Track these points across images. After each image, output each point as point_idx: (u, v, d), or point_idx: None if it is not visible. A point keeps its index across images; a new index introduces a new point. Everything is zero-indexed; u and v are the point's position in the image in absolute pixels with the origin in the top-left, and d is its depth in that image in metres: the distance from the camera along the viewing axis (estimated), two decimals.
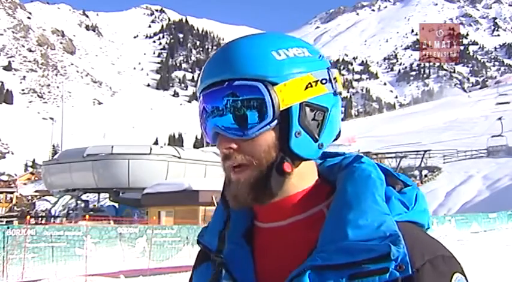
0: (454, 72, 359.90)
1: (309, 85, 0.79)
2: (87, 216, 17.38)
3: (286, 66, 0.78)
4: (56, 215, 31.77)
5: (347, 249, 0.71)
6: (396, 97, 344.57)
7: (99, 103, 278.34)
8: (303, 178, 0.83)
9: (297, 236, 0.81)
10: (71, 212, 30.94)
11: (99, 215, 24.12)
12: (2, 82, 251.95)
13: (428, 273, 0.71)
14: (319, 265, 0.72)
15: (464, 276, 0.75)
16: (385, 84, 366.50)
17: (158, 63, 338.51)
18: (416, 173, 42.29)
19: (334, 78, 0.83)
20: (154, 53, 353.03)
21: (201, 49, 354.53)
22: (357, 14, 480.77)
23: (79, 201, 31.82)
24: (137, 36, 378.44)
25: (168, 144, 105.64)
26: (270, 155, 0.78)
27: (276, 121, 0.77)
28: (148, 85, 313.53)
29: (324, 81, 0.80)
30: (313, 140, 0.80)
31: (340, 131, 0.86)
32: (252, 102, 0.77)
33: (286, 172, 0.79)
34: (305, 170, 0.83)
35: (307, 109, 0.79)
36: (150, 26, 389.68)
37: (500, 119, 51.52)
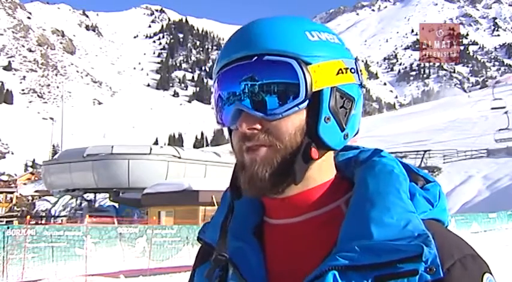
0: (454, 72, 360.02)
1: (340, 71, 0.75)
2: (87, 216, 17.37)
3: (319, 48, 0.74)
4: (58, 214, 31.78)
5: (372, 249, 0.66)
6: (396, 97, 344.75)
7: (99, 103, 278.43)
8: (322, 171, 0.78)
9: (312, 233, 0.76)
10: (74, 211, 30.94)
11: (105, 215, 24.12)
12: (2, 82, 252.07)
13: (458, 273, 0.67)
14: (343, 265, 0.67)
15: (493, 276, 0.71)
16: (385, 84, 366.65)
17: (158, 63, 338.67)
18: None
19: (360, 70, 0.80)
20: (154, 53, 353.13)
21: (201, 49, 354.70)
22: (357, 14, 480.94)
23: (83, 201, 31.84)
24: (137, 36, 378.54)
25: (168, 144, 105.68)
26: (295, 139, 0.73)
27: (306, 103, 0.73)
28: (148, 85, 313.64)
29: (352, 70, 0.77)
30: (340, 129, 0.75)
31: (358, 129, 0.81)
32: (273, 87, 0.72)
33: (313, 159, 0.74)
34: (325, 162, 0.78)
35: (338, 95, 0.75)
36: (150, 26, 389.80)
37: (506, 113, 51.85)
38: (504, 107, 53.61)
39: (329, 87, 0.74)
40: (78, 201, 32.48)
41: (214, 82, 0.78)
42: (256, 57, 0.71)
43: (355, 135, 0.81)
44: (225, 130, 0.80)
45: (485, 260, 0.72)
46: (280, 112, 0.72)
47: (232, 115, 0.74)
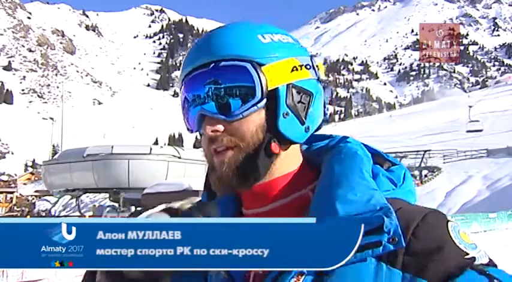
0: (454, 72, 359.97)
1: (295, 68, 0.79)
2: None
3: (272, 49, 0.79)
4: (59, 214, 31.77)
5: None
6: (396, 97, 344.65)
7: (99, 103, 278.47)
8: (286, 162, 0.81)
9: None
10: (107, 214, 30.72)
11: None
12: (2, 82, 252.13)
13: (424, 232, 0.69)
14: None
15: (455, 222, 0.74)
16: (385, 84, 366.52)
17: (158, 63, 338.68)
18: (416, 173, 42.23)
19: (317, 66, 0.83)
20: (154, 53, 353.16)
21: None
22: (357, 14, 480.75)
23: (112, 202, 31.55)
24: (137, 36, 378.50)
25: (168, 144, 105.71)
26: (257, 137, 0.77)
27: (263, 102, 0.77)
28: (148, 85, 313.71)
29: (308, 66, 0.81)
30: (300, 123, 0.79)
31: (323, 121, 0.85)
32: (234, 90, 0.76)
33: (274, 153, 0.78)
34: (289, 153, 0.82)
35: (294, 91, 0.78)
36: (150, 26, 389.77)
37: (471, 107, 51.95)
38: (481, 130, 50.78)
39: (284, 85, 0.78)
40: (106, 202, 32.51)
41: (181, 89, 0.82)
42: (213, 64, 0.76)
43: (319, 128, 0.85)
44: (198, 135, 0.82)
45: (444, 213, 0.74)
46: (240, 112, 0.76)
47: (197, 120, 0.78)
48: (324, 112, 0.86)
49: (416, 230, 0.69)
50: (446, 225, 0.71)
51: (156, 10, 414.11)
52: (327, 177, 0.77)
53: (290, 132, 0.78)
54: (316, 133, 0.86)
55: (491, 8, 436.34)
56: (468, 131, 51.16)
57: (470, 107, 60.37)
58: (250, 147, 0.77)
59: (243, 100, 0.75)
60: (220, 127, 0.76)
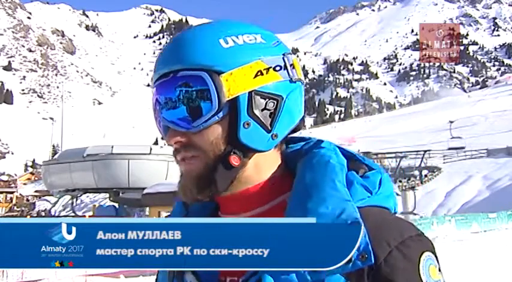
0: (454, 72, 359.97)
1: (259, 73, 0.74)
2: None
3: (233, 54, 0.74)
4: (58, 215, 31.78)
5: None
6: (396, 97, 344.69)
7: (99, 103, 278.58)
8: (260, 170, 0.79)
9: None
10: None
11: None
12: (2, 82, 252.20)
13: (396, 261, 0.68)
14: None
15: (434, 254, 0.72)
16: (385, 84, 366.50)
17: None
18: (416, 173, 42.21)
19: (291, 65, 0.78)
20: (154, 53, 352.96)
21: None
22: (357, 14, 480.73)
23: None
24: (137, 36, 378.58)
25: (168, 144, 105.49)
26: (218, 148, 0.75)
27: (222, 112, 0.73)
28: (148, 85, 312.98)
29: (277, 68, 0.76)
30: (265, 131, 0.76)
31: (302, 119, 0.81)
32: (192, 101, 0.73)
33: (233, 165, 0.75)
34: (263, 161, 0.79)
35: (258, 98, 0.75)
36: (150, 26, 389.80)
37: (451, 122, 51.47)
38: (463, 148, 49.28)
39: (246, 92, 0.74)
40: (106, 202, 32.50)
41: (153, 90, 0.79)
42: (171, 74, 0.74)
43: (297, 130, 0.82)
44: None
45: (428, 238, 0.72)
46: (197, 125, 0.73)
47: (162, 129, 0.78)
48: (303, 111, 0.81)
49: (389, 257, 0.68)
50: (419, 258, 0.69)
51: (156, 10, 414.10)
52: (299, 187, 0.75)
53: (253, 142, 0.75)
54: (294, 135, 0.84)
55: (491, 8, 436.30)
56: (450, 149, 48.10)
57: (451, 122, 56.52)
58: (210, 159, 0.75)
59: (201, 111, 0.73)
60: (182, 139, 0.76)
